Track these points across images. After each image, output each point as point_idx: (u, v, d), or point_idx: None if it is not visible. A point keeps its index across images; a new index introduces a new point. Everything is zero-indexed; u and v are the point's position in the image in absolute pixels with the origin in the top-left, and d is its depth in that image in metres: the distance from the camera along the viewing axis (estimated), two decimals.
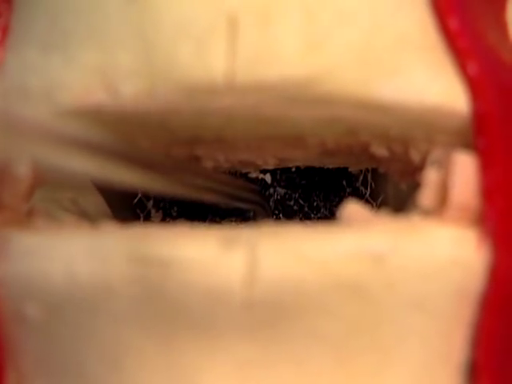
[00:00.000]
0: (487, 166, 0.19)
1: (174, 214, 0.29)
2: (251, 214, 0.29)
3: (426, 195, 0.19)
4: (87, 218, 0.24)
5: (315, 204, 0.29)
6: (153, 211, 0.29)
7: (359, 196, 0.29)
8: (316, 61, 0.18)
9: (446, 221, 0.18)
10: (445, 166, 0.19)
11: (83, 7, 0.18)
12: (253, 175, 0.29)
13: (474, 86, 0.19)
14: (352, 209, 0.18)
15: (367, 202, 0.28)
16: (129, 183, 0.18)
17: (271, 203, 0.30)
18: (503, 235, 0.19)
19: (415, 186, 0.20)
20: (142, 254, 0.17)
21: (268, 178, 0.29)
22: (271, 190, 0.29)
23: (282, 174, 0.29)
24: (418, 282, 0.18)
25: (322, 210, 0.29)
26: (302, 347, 0.18)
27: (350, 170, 0.27)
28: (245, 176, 0.28)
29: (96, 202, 0.26)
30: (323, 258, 0.17)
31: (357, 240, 0.17)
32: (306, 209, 0.29)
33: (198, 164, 0.21)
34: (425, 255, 0.18)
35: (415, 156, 0.20)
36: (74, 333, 0.18)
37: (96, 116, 0.18)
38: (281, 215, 0.30)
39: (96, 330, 0.18)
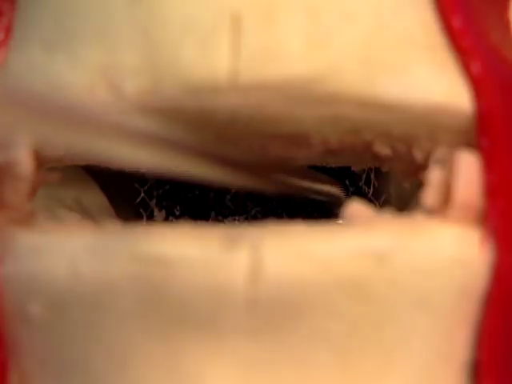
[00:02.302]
0: (490, 165, 0.19)
1: (177, 212, 0.29)
2: (331, 207, 0.29)
3: (429, 194, 0.19)
4: (90, 217, 0.24)
5: (319, 203, 0.29)
6: (156, 210, 0.29)
7: (362, 195, 0.29)
8: (319, 60, 0.18)
9: (449, 220, 0.18)
10: (448, 165, 0.19)
11: (87, 6, 0.18)
12: None
13: (478, 85, 0.19)
14: (355, 208, 0.18)
15: (370, 201, 0.28)
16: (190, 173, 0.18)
17: (273, 202, 0.30)
18: (506, 234, 0.19)
19: (418, 185, 0.20)
20: (145, 253, 0.17)
21: None
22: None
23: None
24: (421, 281, 0.18)
25: (325, 209, 0.29)
26: (305, 346, 0.18)
27: (353, 169, 0.27)
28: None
29: (99, 201, 0.26)
30: (326, 256, 0.17)
31: (360, 239, 0.17)
32: (309, 207, 0.29)
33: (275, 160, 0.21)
34: (428, 254, 0.18)
35: (418, 155, 0.20)
36: (77, 332, 0.18)
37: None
38: (284, 214, 0.30)
39: (99, 328, 0.18)
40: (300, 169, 0.22)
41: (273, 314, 0.17)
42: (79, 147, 0.16)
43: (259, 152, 0.20)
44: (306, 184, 0.23)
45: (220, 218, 0.30)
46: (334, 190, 0.25)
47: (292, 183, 0.22)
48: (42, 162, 0.19)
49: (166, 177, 0.17)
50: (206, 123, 0.19)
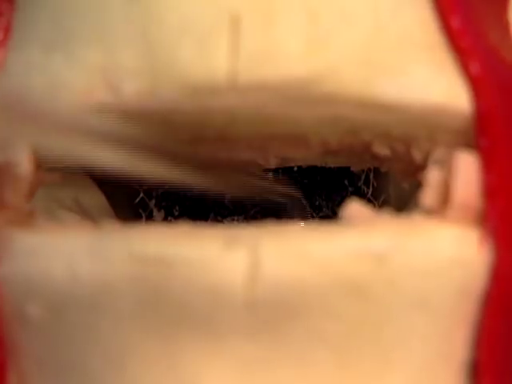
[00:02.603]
0: (489, 166, 0.19)
1: (176, 213, 0.29)
2: (287, 208, 0.29)
3: (428, 194, 0.19)
4: (89, 217, 0.24)
5: (317, 203, 0.29)
6: (155, 210, 0.29)
7: (361, 195, 0.29)
8: (318, 60, 0.18)
9: (448, 220, 0.18)
10: (447, 166, 0.19)
11: (86, 6, 0.18)
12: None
13: (476, 85, 0.19)
14: (354, 208, 0.18)
15: (369, 201, 0.28)
16: (157, 177, 0.18)
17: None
18: (505, 234, 0.19)
19: (417, 185, 0.20)
20: (144, 254, 0.17)
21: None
22: None
23: (284, 174, 0.29)
24: (420, 282, 0.18)
25: (324, 210, 0.29)
26: (303, 346, 0.18)
27: (352, 169, 0.27)
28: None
29: (98, 202, 0.26)
30: (325, 257, 0.17)
31: (359, 239, 0.17)
32: (308, 208, 0.29)
33: (230, 159, 0.21)
34: (427, 254, 0.18)
35: (417, 155, 0.20)
36: (75, 332, 0.18)
37: (100, 113, 0.18)
38: (282, 214, 0.30)
39: (98, 329, 0.18)
40: (259, 170, 0.23)
41: (271, 315, 0.17)
42: (69, 153, 0.16)
43: (221, 154, 0.20)
44: (264, 185, 0.23)
45: (219, 218, 0.30)
46: (292, 191, 0.25)
47: (252, 184, 0.22)
48: (41, 162, 0.19)
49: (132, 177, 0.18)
50: (204, 124, 0.19)
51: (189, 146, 0.20)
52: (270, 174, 0.24)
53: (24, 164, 0.19)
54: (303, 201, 0.28)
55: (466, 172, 0.19)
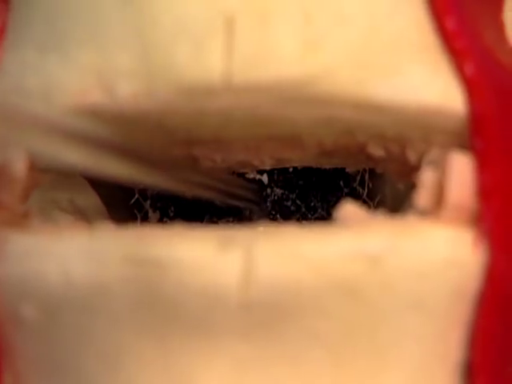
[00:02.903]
0: (484, 167, 0.19)
1: (171, 214, 0.29)
2: (248, 213, 0.29)
3: (423, 195, 0.19)
4: (84, 218, 0.24)
5: (312, 204, 0.29)
6: (150, 211, 0.29)
7: (356, 196, 0.29)
8: (313, 61, 0.18)
9: (442, 221, 0.18)
10: (441, 167, 0.19)
11: (81, 7, 0.18)
12: (250, 175, 0.29)
13: (471, 86, 0.19)
14: (349, 209, 0.18)
15: (364, 202, 0.28)
16: (124, 177, 0.18)
17: (268, 204, 0.30)
18: (499, 236, 0.19)
19: (412, 186, 0.20)
20: (139, 255, 0.17)
21: (265, 178, 0.29)
22: (268, 191, 0.29)
23: (279, 175, 0.29)
24: (415, 283, 0.18)
25: (319, 211, 0.29)
26: (298, 348, 0.18)
27: (347, 170, 0.27)
28: (242, 176, 0.28)
29: (93, 203, 0.26)
30: (320, 258, 0.17)
31: (353, 240, 0.17)
32: (303, 209, 0.29)
33: (196, 161, 0.21)
34: (421, 255, 0.18)
35: (412, 156, 0.20)
36: (70, 334, 0.18)
37: (94, 114, 0.18)
38: (278, 216, 0.30)
39: (93, 331, 0.18)
40: (220, 173, 0.23)
41: (266, 315, 0.17)
42: (65, 157, 0.16)
43: (181, 154, 0.20)
44: (225, 188, 0.23)
45: (214, 219, 0.30)
46: (251, 195, 0.26)
47: (211, 186, 0.22)
48: (36, 164, 0.19)
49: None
50: (199, 125, 0.19)
51: (159, 150, 0.20)
52: (234, 178, 0.24)
53: (18, 165, 0.19)
54: (264, 207, 0.28)
55: (461, 173, 0.19)
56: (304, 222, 0.29)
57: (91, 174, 0.18)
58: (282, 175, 0.29)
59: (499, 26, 0.22)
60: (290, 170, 0.29)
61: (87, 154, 0.17)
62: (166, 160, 0.20)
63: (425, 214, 0.19)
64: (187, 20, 0.18)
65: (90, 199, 0.25)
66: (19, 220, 0.19)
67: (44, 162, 0.19)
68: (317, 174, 0.29)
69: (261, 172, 0.29)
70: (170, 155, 0.20)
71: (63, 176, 0.23)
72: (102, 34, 0.18)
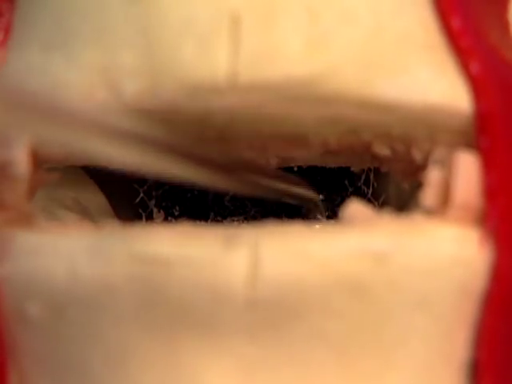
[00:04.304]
0: (490, 166, 0.19)
1: (176, 213, 0.29)
2: (304, 211, 0.29)
3: (429, 195, 0.19)
4: (89, 217, 0.24)
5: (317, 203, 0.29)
6: (155, 210, 0.29)
7: (361, 195, 0.29)
8: (319, 60, 0.18)
9: (448, 220, 0.18)
10: (447, 166, 0.19)
11: (86, 6, 0.18)
12: None
13: (477, 85, 0.19)
14: (354, 208, 0.18)
15: (369, 201, 0.28)
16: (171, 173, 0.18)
17: (272, 202, 0.30)
18: (506, 234, 0.19)
19: (417, 185, 0.20)
20: (144, 253, 0.17)
21: None
22: None
23: None
24: (421, 282, 0.18)
25: (324, 209, 0.29)
26: (304, 346, 0.18)
27: (352, 169, 0.27)
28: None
29: (98, 202, 0.26)
30: (325, 257, 0.17)
31: (359, 239, 0.17)
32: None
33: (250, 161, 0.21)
34: (427, 254, 0.18)
35: (417, 155, 0.20)
36: (76, 332, 0.18)
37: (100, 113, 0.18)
38: (283, 214, 0.30)
39: (98, 329, 0.18)
40: (275, 171, 0.23)
41: (272, 314, 0.17)
42: (74, 148, 0.16)
43: (235, 154, 0.20)
44: (281, 186, 0.23)
45: (219, 218, 0.30)
46: (308, 193, 0.25)
47: (267, 185, 0.22)
48: (41, 162, 0.19)
49: (148, 175, 0.18)
50: (204, 124, 0.19)
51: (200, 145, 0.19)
52: (286, 175, 0.24)
53: (23, 164, 0.19)
54: (320, 204, 0.28)
55: (467, 172, 0.19)
56: (309, 220, 0.29)
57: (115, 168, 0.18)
58: None
59: (504, 25, 0.22)
60: (295, 168, 0.29)
61: (95, 149, 0.17)
62: (217, 158, 0.19)
63: (431, 212, 0.19)
64: (193, 19, 0.18)
65: (95, 198, 0.26)
66: (25, 219, 0.19)
67: (50, 154, 0.19)
68: (322, 173, 0.29)
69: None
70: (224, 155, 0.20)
71: (68, 175, 0.23)
72: (108, 32, 0.18)
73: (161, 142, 0.17)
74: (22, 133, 0.16)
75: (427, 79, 0.18)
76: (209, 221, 0.29)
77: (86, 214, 0.24)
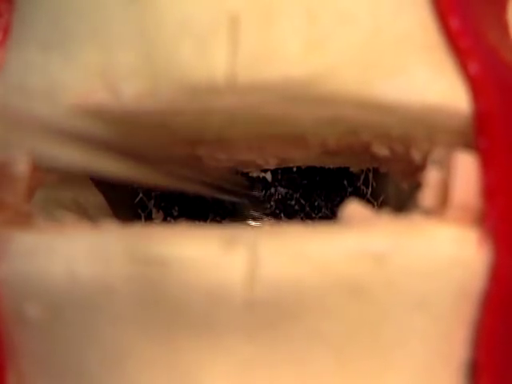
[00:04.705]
0: (488, 166, 0.19)
1: (175, 213, 0.29)
2: (247, 211, 0.29)
3: (427, 195, 0.19)
4: (88, 217, 0.24)
5: (316, 204, 0.29)
6: (154, 211, 0.29)
7: (360, 196, 0.29)
8: (317, 60, 0.18)
9: (447, 220, 0.18)
10: (446, 166, 0.19)
11: (85, 7, 0.18)
12: (254, 175, 0.29)
13: (476, 85, 0.19)
14: (353, 208, 0.18)
15: (368, 201, 0.28)
16: (126, 176, 0.18)
17: (272, 203, 0.30)
18: (504, 235, 0.19)
19: (416, 185, 0.20)
20: (143, 254, 0.17)
21: (269, 177, 0.29)
22: (272, 190, 0.29)
23: (283, 174, 0.29)
24: (419, 282, 0.18)
25: (323, 210, 0.29)
26: (302, 347, 0.18)
27: (351, 169, 0.27)
28: (246, 175, 0.28)
29: (97, 202, 0.26)
30: (324, 257, 0.17)
31: (358, 240, 0.17)
32: (308, 208, 0.29)
33: (198, 160, 0.21)
34: (426, 255, 0.18)
35: (416, 156, 0.20)
36: (74, 333, 0.18)
37: (97, 114, 0.18)
38: (282, 215, 0.30)
39: (97, 329, 0.18)
40: (223, 171, 0.23)
41: (270, 315, 0.17)
42: (69, 158, 0.16)
43: (184, 153, 0.20)
44: (227, 185, 0.23)
45: (218, 218, 0.30)
46: (247, 191, 0.26)
47: (213, 184, 0.22)
48: (39, 164, 0.19)
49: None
50: (203, 124, 0.19)
51: (163, 149, 0.20)
52: (237, 176, 0.24)
53: (21, 164, 0.19)
54: (266, 205, 0.28)
55: (465, 172, 0.19)
56: (308, 221, 0.29)
57: (93, 173, 0.18)
58: (285, 174, 0.29)
59: (503, 25, 0.22)
60: (294, 169, 0.29)
61: (89, 154, 0.17)
62: (169, 159, 0.20)
63: (429, 213, 0.19)
64: (191, 19, 0.18)
65: (94, 198, 0.26)
66: (23, 219, 0.19)
67: (46, 162, 0.19)
68: (321, 174, 0.29)
69: (265, 171, 0.29)
70: (174, 154, 0.20)
71: (67, 175, 0.23)
72: (106, 33, 0.18)
73: (97, 139, 0.17)
74: (18, 140, 0.16)
75: (426, 79, 0.18)
76: (208, 221, 0.29)
77: (85, 215, 0.24)
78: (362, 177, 0.29)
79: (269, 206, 0.30)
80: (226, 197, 0.25)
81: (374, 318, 0.18)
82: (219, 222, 0.30)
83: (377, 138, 0.20)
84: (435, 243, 0.18)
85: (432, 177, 0.19)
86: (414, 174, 0.20)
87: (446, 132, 0.19)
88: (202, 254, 0.17)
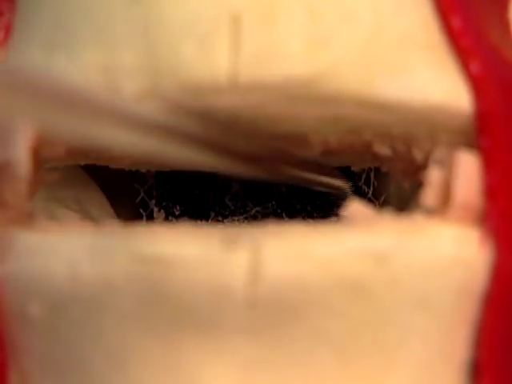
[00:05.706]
0: (490, 165, 0.19)
1: (177, 212, 0.29)
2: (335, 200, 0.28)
3: (429, 194, 0.19)
4: (90, 217, 0.24)
5: (318, 203, 0.29)
6: (155, 210, 0.29)
7: (362, 195, 0.29)
8: (319, 60, 0.18)
9: (448, 220, 0.18)
10: (448, 165, 0.19)
11: (87, 6, 0.19)
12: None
13: (477, 85, 0.19)
14: (355, 208, 0.18)
15: (370, 201, 0.28)
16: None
17: (273, 202, 0.30)
18: (506, 234, 0.19)
19: (418, 185, 0.20)
20: (145, 253, 0.17)
21: None
22: (273, 189, 0.29)
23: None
24: (421, 281, 0.18)
25: (324, 209, 0.29)
26: (305, 347, 0.18)
27: (352, 168, 0.27)
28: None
29: (99, 201, 0.26)
30: (326, 257, 0.17)
31: (360, 239, 0.17)
32: (309, 207, 0.29)
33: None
34: (427, 254, 0.18)
35: (418, 155, 0.20)
36: (76, 332, 0.18)
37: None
38: (283, 214, 0.30)
39: (99, 329, 0.18)
40: (305, 160, 0.22)
41: (273, 314, 0.17)
42: (82, 134, 0.16)
43: (263, 144, 0.20)
44: (310, 176, 0.23)
45: (220, 218, 0.30)
46: (337, 182, 0.25)
47: (295, 174, 0.22)
48: (41, 161, 0.19)
49: (171, 168, 0.18)
50: (205, 123, 0.19)
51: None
52: (316, 164, 0.23)
53: (24, 163, 0.19)
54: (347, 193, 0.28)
55: (467, 171, 0.19)
56: (309, 220, 0.29)
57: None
58: None
59: (504, 25, 0.22)
60: None
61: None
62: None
63: (431, 212, 0.19)
64: (193, 19, 0.18)
65: (96, 198, 0.25)
66: (25, 218, 0.19)
67: (54, 137, 0.18)
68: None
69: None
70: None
71: (69, 175, 0.23)
72: (109, 32, 0.18)
73: (179, 129, 0.17)
74: (26, 117, 0.16)
75: (428, 79, 0.18)
76: (209, 220, 0.29)
77: (87, 214, 0.24)
78: (364, 176, 0.29)
79: (270, 205, 0.30)
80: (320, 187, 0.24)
81: (376, 316, 0.18)
82: (221, 221, 0.30)
83: (378, 137, 0.20)
84: (437, 242, 0.18)
85: (434, 176, 0.19)
86: (415, 173, 0.20)
87: (448, 131, 0.19)
88: (204, 253, 0.17)
